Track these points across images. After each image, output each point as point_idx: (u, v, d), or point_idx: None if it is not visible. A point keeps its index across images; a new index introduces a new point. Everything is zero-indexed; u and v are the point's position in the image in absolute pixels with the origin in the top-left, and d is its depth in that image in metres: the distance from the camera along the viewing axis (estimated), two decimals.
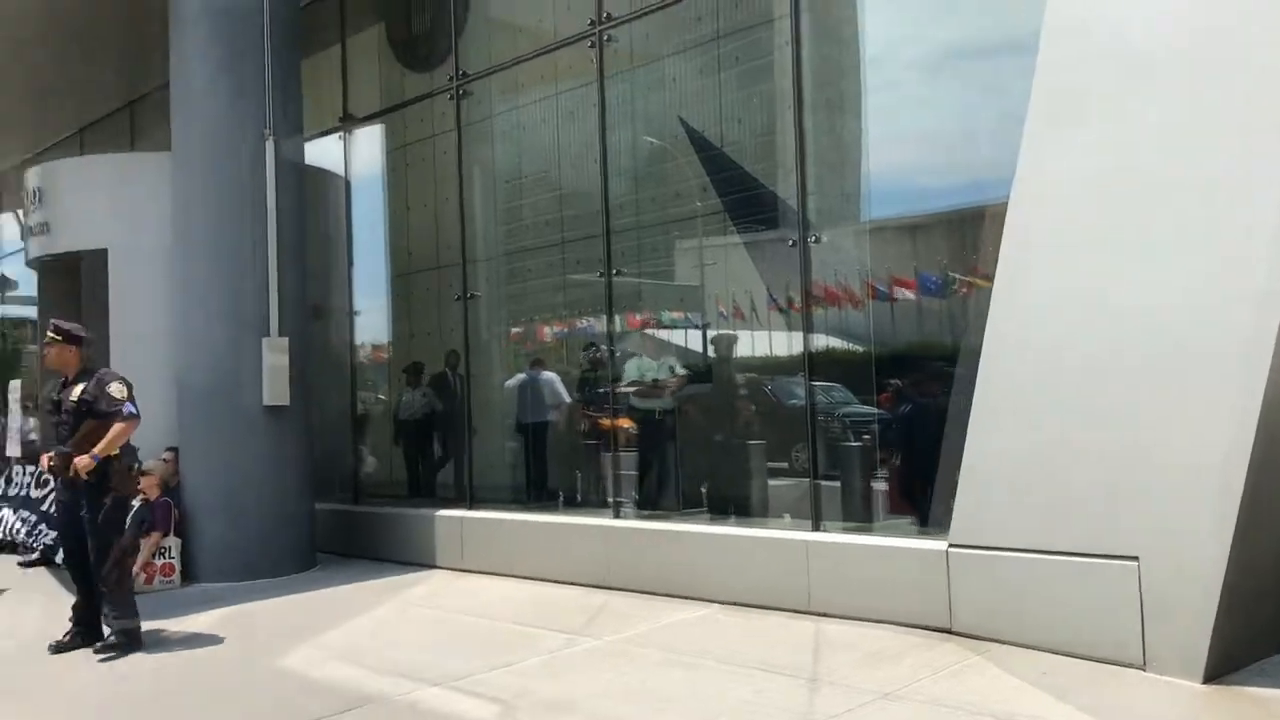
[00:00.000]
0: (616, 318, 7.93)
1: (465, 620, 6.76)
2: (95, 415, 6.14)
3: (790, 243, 6.71)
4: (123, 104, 12.98)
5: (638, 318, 8.43)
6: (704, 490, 7.64)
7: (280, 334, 8.30)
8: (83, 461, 5.99)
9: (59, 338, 6.33)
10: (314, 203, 9.15)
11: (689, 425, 8.00)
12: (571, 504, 8.45)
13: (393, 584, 7.91)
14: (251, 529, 8.22)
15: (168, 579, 7.94)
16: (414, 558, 8.61)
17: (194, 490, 8.33)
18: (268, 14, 8.37)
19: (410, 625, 6.77)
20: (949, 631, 5.47)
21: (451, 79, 8.91)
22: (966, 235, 6.71)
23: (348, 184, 10.13)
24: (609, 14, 7.75)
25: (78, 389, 6.22)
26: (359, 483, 9.82)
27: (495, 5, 9.05)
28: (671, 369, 8.04)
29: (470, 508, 8.51)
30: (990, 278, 5.44)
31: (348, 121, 9.95)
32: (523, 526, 8.06)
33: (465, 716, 4.72)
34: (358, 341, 10.04)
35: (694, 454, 7.93)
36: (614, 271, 7.74)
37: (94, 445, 6.04)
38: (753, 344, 8.03)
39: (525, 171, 9.26)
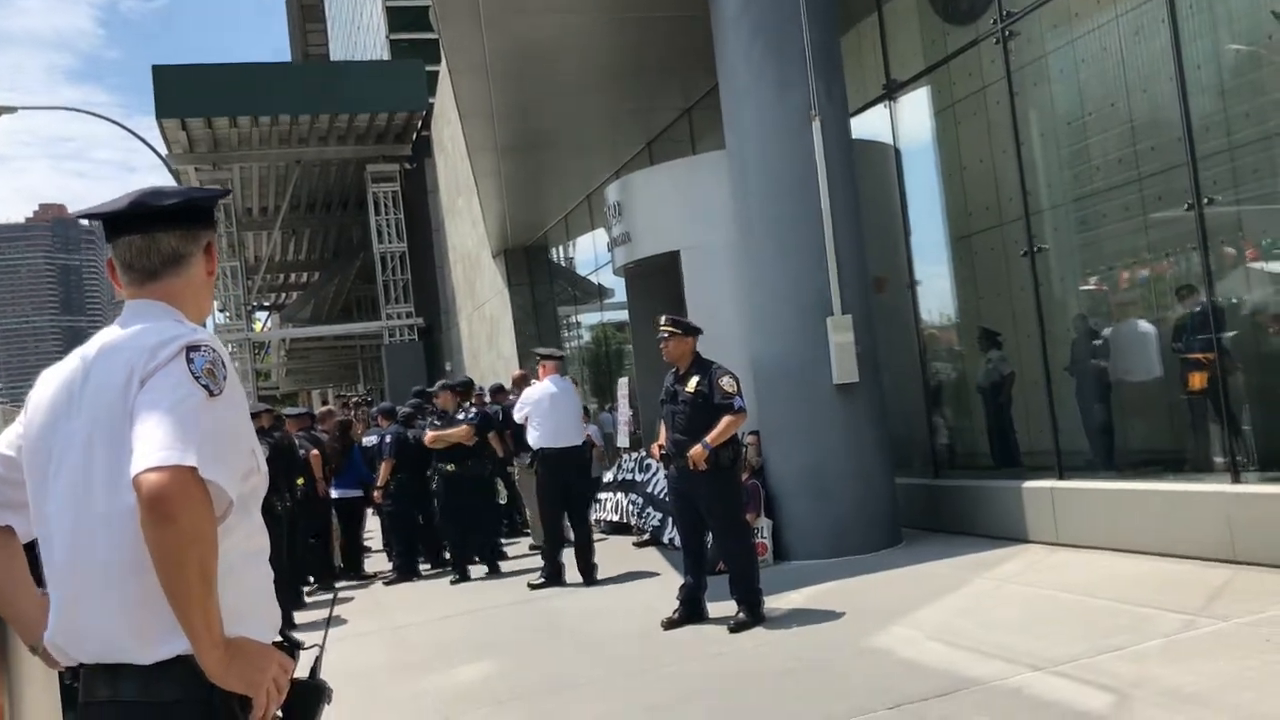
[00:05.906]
0: (1211, 253, 6.91)
1: (1064, 598, 6.25)
2: (708, 407, 6.51)
3: None
4: (680, 113, 13.86)
5: (1234, 251, 7.29)
6: None
7: (843, 312, 8.30)
8: (697, 451, 6.39)
9: (677, 330, 6.76)
10: (865, 176, 9.05)
11: None
12: (1177, 467, 7.54)
13: (981, 560, 7.57)
14: (835, 506, 8.31)
15: (761, 558, 8.25)
16: (1001, 531, 8.18)
17: (777, 471, 8.62)
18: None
19: (1005, 604, 6.39)
20: None
21: (995, 22, 8.36)
22: None
23: (897, 152, 9.91)
24: None
25: (693, 381, 6.63)
26: (938, 455, 9.57)
27: None
28: None
29: (1061, 477, 7.90)
30: None
31: (891, 88, 9.74)
32: (1122, 496, 7.31)
33: (1076, 706, 4.30)
34: (922, 310, 9.77)
35: None
36: (1205, 200, 6.76)
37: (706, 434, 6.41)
38: None
39: (1088, 108, 8.41)
